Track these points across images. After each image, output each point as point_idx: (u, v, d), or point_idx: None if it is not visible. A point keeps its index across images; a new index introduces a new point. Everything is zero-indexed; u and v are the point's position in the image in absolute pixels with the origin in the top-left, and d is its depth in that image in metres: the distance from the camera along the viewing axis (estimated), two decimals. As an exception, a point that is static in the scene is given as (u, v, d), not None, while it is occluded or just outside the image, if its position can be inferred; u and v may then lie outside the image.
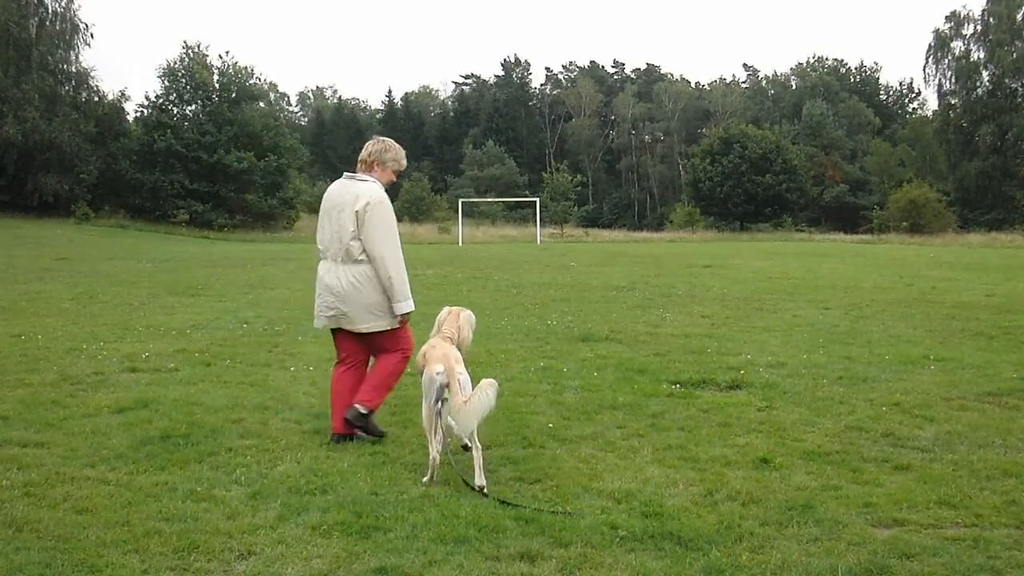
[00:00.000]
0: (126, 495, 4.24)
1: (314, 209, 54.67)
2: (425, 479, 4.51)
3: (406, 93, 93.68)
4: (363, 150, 5.40)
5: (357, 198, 5.17)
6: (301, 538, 3.76)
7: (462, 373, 4.59)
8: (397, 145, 5.47)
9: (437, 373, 4.55)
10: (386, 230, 5.19)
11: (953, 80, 57.37)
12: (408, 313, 5.28)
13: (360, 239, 5.16)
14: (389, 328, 5.27)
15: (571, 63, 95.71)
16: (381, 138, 5.56)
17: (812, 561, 3.54)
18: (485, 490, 4.33)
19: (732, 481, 4.54)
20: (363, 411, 5.18)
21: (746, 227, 56.08)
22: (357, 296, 5.18)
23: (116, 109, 46.15)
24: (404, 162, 5.49)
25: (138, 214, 42.57)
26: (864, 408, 6.16)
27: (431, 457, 4.53)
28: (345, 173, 5.44)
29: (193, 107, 45.55)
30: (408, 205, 58.84)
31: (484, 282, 16.85)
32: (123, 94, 56.62)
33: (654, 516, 4.00)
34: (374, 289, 5.18)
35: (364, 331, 5.26)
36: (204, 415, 5.81)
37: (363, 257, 5.18)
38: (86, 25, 44.10)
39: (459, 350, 4.89)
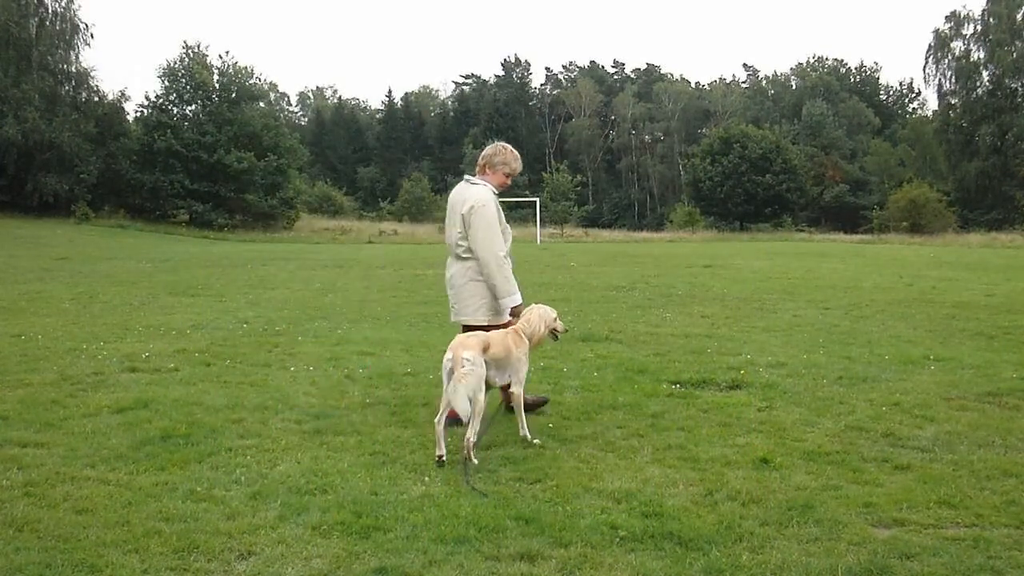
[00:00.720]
0: (126, 495, 4.24)
1: (314, 209, 55.38)
2: (438, 452, 4.82)
3: (406, 93, 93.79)
4: (481, 155, 5.77)
5: (464, 202, 5.56)
6: (301, 538, 3.76)
7: (469, 360, 4.90)
8: (511, 149, 5.77)
9: (447, 360, 4.91)
10: (487, 231, 5.51)
11: (953, 80, 57.40)
12: (518, 307, 5.56)
13: (467, 239, 5.53)
14: (501, 323, 5.57)
15: (571, 63, 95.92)
16: (498, 143, 5.86)
17: (812, 561, 3.54)
18: (468, 456, 4.75)
19: (732, 481, 4.54)
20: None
21: (746, 227, 56.06)
22: (465, 290, 5.60)
23: (116, 109, 46.08)
24: (515, 165, 5.75)
25: (138, 214, 42.54)
26: (864, 408, 6.16)
27: (435, 423, 4.93)
28: (465, 176, 5.80)
29: (193, 107, 45.49)
30: (408, 205, 58.88)
31: (484, 282, 16.80)
32: (123, 94, 56.65)
33: (654, 516, 4.00)
34: (481, 284, 5.55)
35: (467, 323, 5.58)
36: (204, 415, 5.81)
37: (469, 255, 5.55)
38: (86, 25, 44.14)
39: (530, 340, 5.33)
